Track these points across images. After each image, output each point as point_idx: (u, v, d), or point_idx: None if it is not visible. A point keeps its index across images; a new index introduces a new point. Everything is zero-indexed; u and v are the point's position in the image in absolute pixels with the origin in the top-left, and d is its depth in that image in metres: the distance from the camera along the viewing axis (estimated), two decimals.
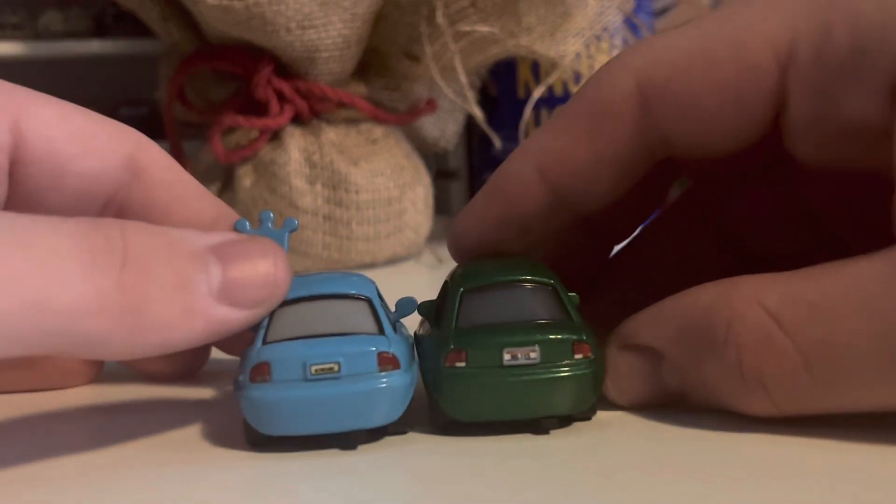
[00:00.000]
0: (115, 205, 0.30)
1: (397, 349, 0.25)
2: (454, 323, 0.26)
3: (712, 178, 0.32)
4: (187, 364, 0.33)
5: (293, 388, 0.24)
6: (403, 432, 0.26)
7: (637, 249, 0.33)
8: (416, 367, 0.26)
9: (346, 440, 0.25)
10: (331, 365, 0.24)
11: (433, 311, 0.28)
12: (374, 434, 0.25)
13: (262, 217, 0.29)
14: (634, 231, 0.33)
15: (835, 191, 0.29)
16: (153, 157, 0.30)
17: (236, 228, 0.29)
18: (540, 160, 0.27)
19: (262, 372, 0.24)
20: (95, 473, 0.25)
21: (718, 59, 0.25)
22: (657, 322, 0.26)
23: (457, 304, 0.26)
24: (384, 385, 0.25)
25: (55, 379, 0.32)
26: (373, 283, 0.27)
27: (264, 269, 0.25)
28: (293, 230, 0.29)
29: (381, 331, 0.25)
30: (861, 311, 0.22)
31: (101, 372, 0.33)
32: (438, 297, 0.28)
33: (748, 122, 0.26)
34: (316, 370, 0.24)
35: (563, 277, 0.27)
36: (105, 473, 0.25)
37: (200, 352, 0.33)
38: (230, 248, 0.25)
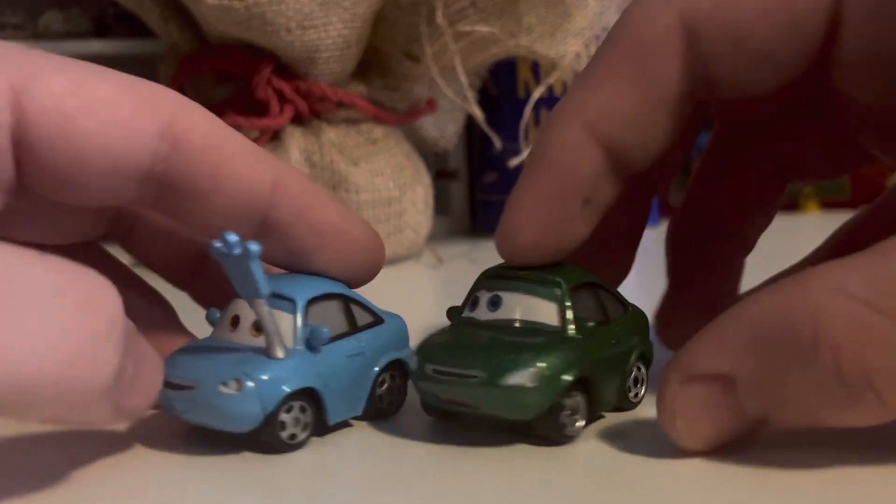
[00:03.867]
0: (154, 180, 0.26)
1: None
2: None
3: (747, 119, 0.30)
4: None
5: None
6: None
7: (693, 213, 0.32)
8: None
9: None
10: None
11: None
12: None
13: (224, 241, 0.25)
14: (669, 183, 0.31)
15: (877, 120, 0.27)
16: (193, 122, 0.26)
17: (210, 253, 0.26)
18: (586, 118, 0.25)
19: None
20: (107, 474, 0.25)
21: None
22: (721, 342, 0.23)
23: None
24: None
25: None
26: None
27: (154, 383, 0.24)
28: (249, 256, 0.25)
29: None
30: None
31: None
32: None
33: (799, 49, 0.24)
34: None
35: (606, 243, 0.27)
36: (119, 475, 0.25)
37: None
38: (138, 349, 0.23)
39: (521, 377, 0.24)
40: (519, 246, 0.26)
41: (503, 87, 0.67)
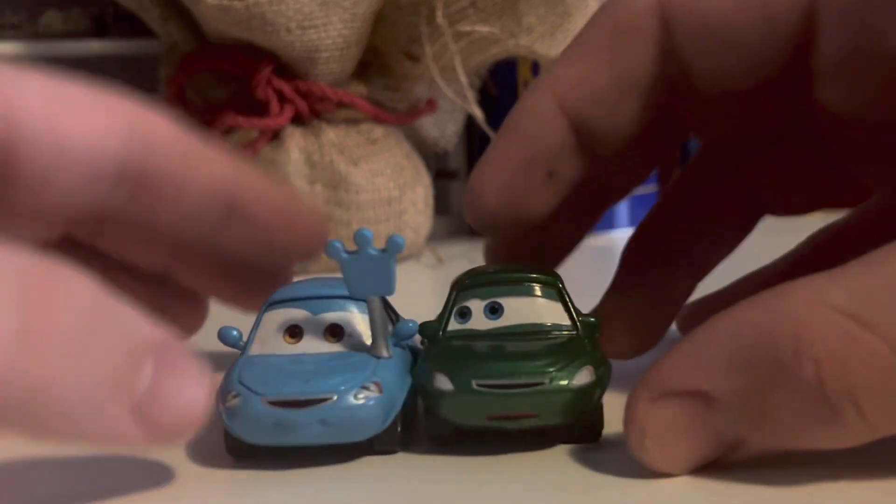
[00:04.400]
0: (128, 178, 0.27)
1: None
2: None
3: (726, 138, 0.30)
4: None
5: None
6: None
7: (653, 228, 0.31)
8: None
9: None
10: None
11: None
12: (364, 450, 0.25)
13: (357, 239, 0.24)
14: (630, 190, 0.31)
15: (861, 138, 0.27)
16: (159, 123, 0.27)
17: (328, 254, 0.25)
18: (558, 90, 0.25)
19: None
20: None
21: None
22: (696, 357, 0.21)
23: None
24: None
25: None
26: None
27: (193, 395, 0.20)
28: (399, 252, 0.24)
29: None
30: None
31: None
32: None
33: (772, 45, 0.24)
34: None
35: (553, 238, 0.27)
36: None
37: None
38: (169, 354, 0.20)
39: (585, 377, 0.23)
40: (482, 210, 0.27)
41: (503, 87, 0.67)
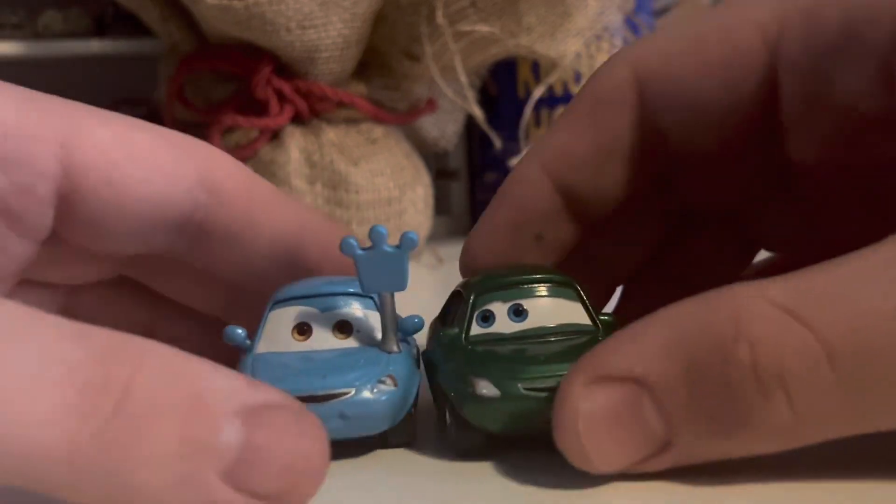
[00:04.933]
0: (192, 227, 0.27)
1: None
2: None
3: (719, 201, 0.30)
4: None
5: None
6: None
7: (654, 260, 0.32)
8: None
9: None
10: None
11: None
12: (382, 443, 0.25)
13: (372, 236, 0.25)
14: (636, 267, 0.32)
15: (834, 187, 0.28)
16: (228, 171, 0.27)
17: (342, 250, 0.25)
18: (544, 158, 0.27)
19: None
20: None
21: (708, 43, 0.25)
22: (634, 343, 0.21)
23: None
24: None
25: None
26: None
27: (296, 450, 0.19)
28: (413, 248, 0.25)
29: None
30: (884, 291, 0.20)
31: None
32: None
33: (738, 108, 0.25)
34: None
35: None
36: None
37: None
38: (264, 416, 0.19)
39: None
40: (475, 271, 0.28)
41: (503, 87, 0.67)
